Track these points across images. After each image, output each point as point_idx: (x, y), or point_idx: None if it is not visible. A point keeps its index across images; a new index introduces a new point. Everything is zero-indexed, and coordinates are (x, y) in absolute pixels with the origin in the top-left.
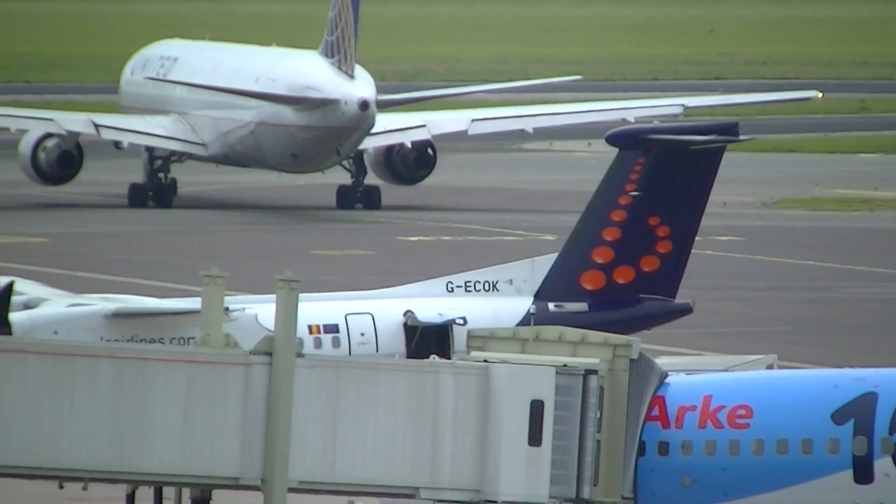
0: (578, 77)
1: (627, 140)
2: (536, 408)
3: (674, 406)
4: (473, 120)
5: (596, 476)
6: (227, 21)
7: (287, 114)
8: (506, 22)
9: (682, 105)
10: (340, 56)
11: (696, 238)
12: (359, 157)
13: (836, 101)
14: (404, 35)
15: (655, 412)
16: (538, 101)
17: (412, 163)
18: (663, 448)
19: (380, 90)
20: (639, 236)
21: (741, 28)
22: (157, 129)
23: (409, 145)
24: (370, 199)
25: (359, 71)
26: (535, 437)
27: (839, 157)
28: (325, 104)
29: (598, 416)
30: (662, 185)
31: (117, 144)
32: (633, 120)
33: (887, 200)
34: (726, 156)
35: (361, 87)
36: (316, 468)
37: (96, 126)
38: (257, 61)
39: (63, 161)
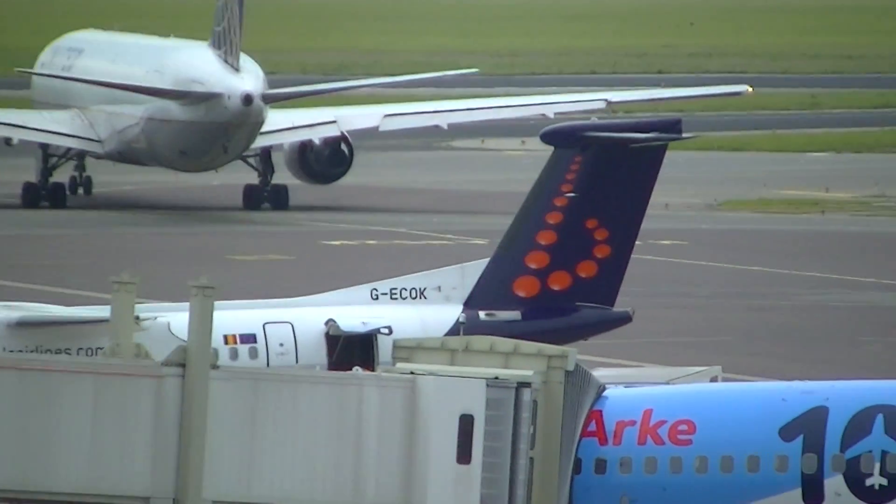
0: (474, 70)
1: (563, 138)
2: (466, 423)
3: (612, 421)
4: (386, 115)
5: (529, 495)
6: (141, 10)
7: (173, 109)
8: (437, 11)
9: (606, 100)
10: (227, 47)
11: (637, 242)
12: (266, 154)
13: (785, 97)
14: (327, 25)
15: (592, 427)
16: (468, 95)
17: (325, 160)
18: (601, 465)
19: (300, 84)
20: (575, 240)
21: (686, 17)
22: (52, 126)
23: (317, 142)
24: (278, 198)
25: (247, 63)
26: (464, 454)
27: (788, 156)
28: (208, 98)
29: (532, 431)
30: (601, 185)
31: (7, 141)
32: (552, 116)
33: (839, 202)
34: (668, 154)
35: (246, 80)
36: (231, 487)
37: None
38: (150, 54)
39: None
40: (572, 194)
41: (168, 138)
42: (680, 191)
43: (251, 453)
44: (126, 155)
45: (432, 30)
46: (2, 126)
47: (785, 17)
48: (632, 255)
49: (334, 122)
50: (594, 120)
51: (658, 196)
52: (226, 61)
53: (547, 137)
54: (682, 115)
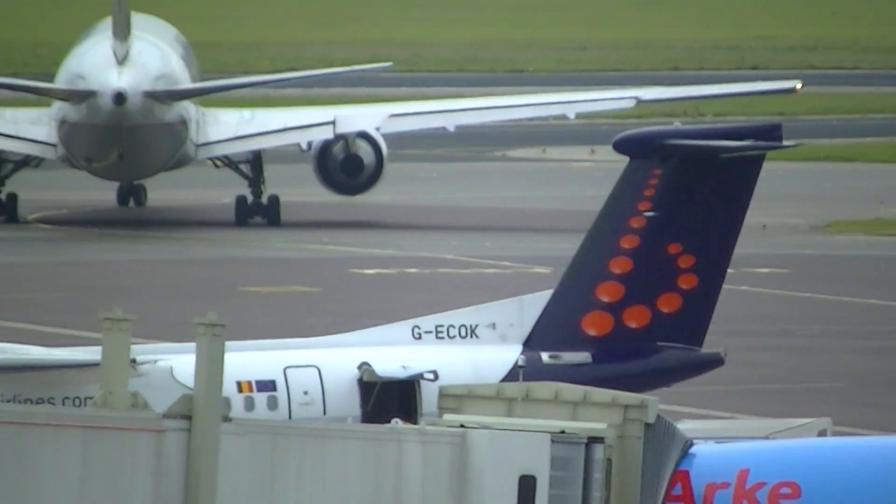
0: (388, 63)
1: (640, 146)
2: (527, 485)
3: (701, 483)
4: (392, 115)
5: None
6: None
7: (67, 110)
8: None
9: (636, 98)
10: (117, 33)
11: (729, 270)
12: (256, 161)
13: None
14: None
15: (678, 491)
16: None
17: (340, 168)
18: None
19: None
20: (655, 268)
21: (784, 4)
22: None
23: (306, 146)
24: (270, 212)
25: (145, 53)
26: None
27: None
28: (86, 98)
29: (605, 495)
30: (685, 203)
31: None
32: (573, 116)
33: None
34: (766, 166)
35: (125, 74)
36: None
37: None
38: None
39: None
40: (651, 214)
41: (71, 143)
42: (780, 210)
43: None
44: (73, 162)
45: (479, 19)
46: None
47: None
48: (723, 287)
49: (332, 122)
50: (677, 125)
51: (753, 216)
52: (115, 51)
53: (621, 146)
54: (782, 120)
